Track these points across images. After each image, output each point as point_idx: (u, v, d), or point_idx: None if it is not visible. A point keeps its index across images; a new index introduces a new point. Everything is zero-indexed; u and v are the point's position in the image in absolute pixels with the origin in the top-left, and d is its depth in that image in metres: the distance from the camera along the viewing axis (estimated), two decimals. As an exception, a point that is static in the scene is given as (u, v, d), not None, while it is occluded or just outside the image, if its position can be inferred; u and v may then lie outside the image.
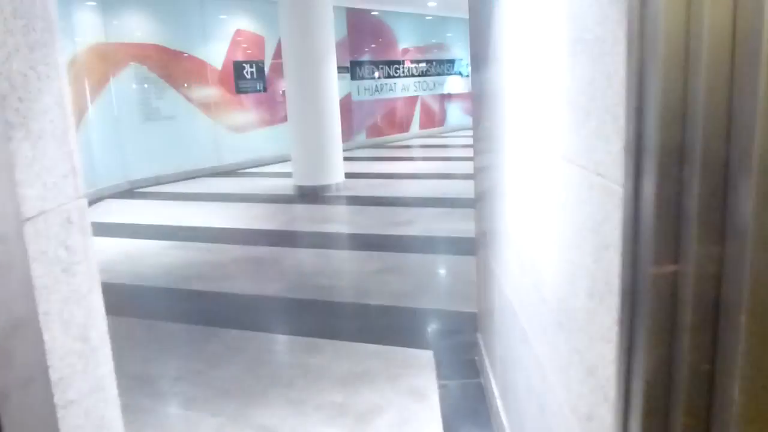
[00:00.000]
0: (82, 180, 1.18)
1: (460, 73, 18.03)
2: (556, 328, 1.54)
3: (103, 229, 7.37)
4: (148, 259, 6.01)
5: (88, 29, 9.73)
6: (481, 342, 3.28)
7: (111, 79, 10.22)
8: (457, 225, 6.49)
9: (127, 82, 10.47)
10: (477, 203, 3.38)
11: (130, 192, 10.16)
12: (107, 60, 10.11)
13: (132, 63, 10.48)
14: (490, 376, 2.87)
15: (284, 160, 11.00)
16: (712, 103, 0.76)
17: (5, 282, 0.84)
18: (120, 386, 3.46)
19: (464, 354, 3.52)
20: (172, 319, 4.43)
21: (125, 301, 4.85)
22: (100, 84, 10.00)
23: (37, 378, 0.95)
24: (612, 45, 1.01)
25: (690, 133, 0.78)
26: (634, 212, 0.92)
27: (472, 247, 3.69)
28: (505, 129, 2.22)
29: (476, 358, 3.39)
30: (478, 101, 3.12)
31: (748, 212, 0.69)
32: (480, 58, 2.88)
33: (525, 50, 1.80)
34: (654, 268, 0.85)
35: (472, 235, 3.63)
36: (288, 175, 9.67)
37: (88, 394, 1.18)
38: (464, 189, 7.96)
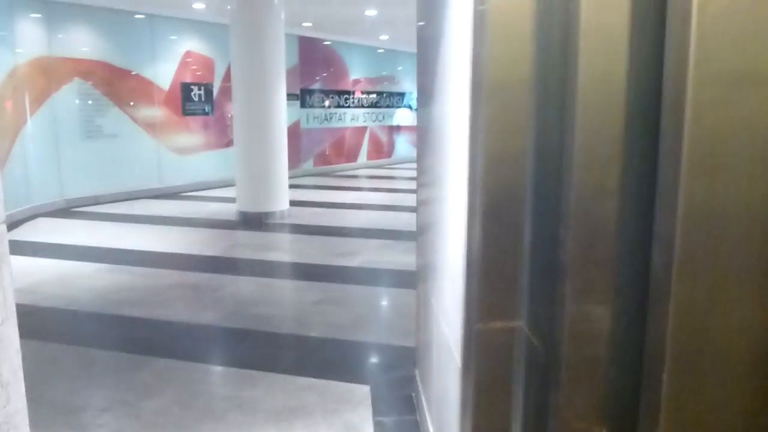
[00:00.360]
0: (2, 206, 1.12)
1: (410, 107, 18.26)
2: (489, 369, 1.54)
3: (34, 249, 7.08)
4: (80, 281, 5.79)
5: (31, 41, 9.46)
6: (418, 378, 3.26)
7: (53, 93, 9.93)
8: (400, 257, 6.50)
9: (69, 97, 10.18)
10: (419, 236, 3.38)
11: (66, 211, 9.81)
12: (50, 74, 9.83)
13: (76, 78, 10.21)
14: (426, 413, 2.85)
15: (229, 184, 10.85)
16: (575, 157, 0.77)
17: None
18: (41, 416, 3.27)
19: (401, 390, 3.49)
20: (101, 346, 4.26)
21: (53, 326, 4.64)
22: (40, 98, 9.70)
23: (-65, 418, 0.89)
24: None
25: (563, 192, 0.79)
26: (467, 263, 0.92)
27: (413, 280, 3.69)
28: (447, 164, 2.24)
29: (413, 394, 3.37)
30: (422, 135, 3.15)
31: (671, 278, 0.69)
32: (426, 93, 2.91)
33: (466, 89, 1.83)
34: (482, 324, 0.84)
35: (414, 268, 3.63)
36: (232, 200, 9.53)
37: (-5, 433, 1.11)
38: (408, 221, 8.00)
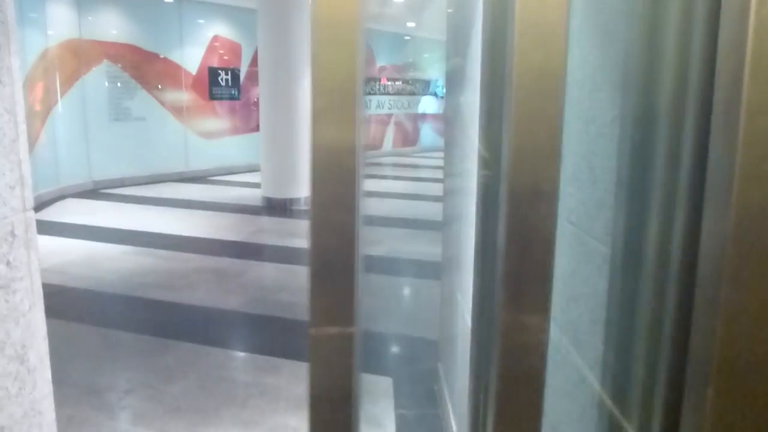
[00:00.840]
0: (30, 191, 1.11)
1: (435, 94, 18.14)
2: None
3: (62, 229, 7.17)
4: (106, 263, 5.85)
5: (62, 24, 9.55)
6: (441, 371, 3.24)
7: (82, 75, 10.03)
8: (424, 248, 6.46)
9: (98, 79, 10.28)
10: (444, 227, 3.35)
11: (94, 192, 9.93)
12: (80, 56, 9.93)
13: (105, 61, 10.31)
14: (449, 407, 2.82)
15: (254, 169, 10.89)
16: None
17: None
18: (66, 396, 3.29)
19: (424, 382, 3.47)
20: (126, 327, 4.30)
21: (79, 307, 4.70)
22: (70, 80, 9.80)
23: (-38, 406, 0.88)
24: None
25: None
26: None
27: (437, 272, 3.66)
28: (472, 154, 2.20)
29: (435, 387, 3.34)
30: (451, 124, 3.10)
31: (721, 290, 0.65)
32: (455, 81, 2.86)
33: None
34: (316, 329, 0.84)
35: (438, 258, 3.60)
36: (257, 185, 9.56)
37: (22, 419, 1.10)
38: (433, 211, 7.95)
